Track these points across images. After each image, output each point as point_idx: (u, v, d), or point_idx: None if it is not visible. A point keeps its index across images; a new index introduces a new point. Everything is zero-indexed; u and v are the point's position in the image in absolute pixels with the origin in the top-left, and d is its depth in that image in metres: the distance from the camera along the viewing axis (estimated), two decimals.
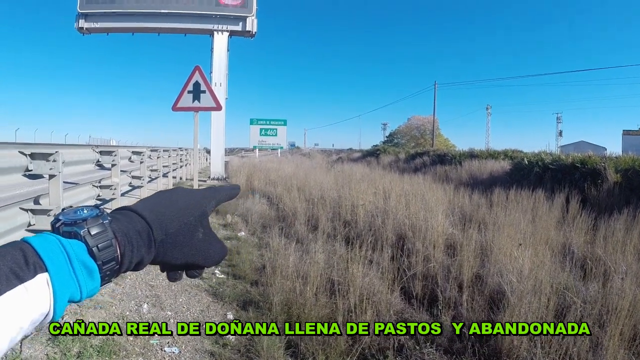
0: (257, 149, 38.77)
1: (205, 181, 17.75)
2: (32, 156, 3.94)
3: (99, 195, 5.94)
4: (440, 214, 7.25)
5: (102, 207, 0.68)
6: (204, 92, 9.90)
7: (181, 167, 17.22)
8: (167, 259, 0.73)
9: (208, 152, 28.24)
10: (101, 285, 0.64)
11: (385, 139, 75.08)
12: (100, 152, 6.22)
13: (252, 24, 21.25)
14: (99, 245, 0.62)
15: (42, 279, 0.54)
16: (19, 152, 3.89)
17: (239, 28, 21.28)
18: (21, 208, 3.84)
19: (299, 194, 10.92)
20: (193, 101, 9.88)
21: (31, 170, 3.93)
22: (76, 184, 5.48)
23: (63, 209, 0.67)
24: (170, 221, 0.72)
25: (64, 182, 4.29)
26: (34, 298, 0.53)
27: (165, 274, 0.78)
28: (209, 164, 23.07)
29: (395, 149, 41.62)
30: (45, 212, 3.95)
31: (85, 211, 0.65)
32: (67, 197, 4.45)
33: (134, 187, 8.41)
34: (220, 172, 20.10)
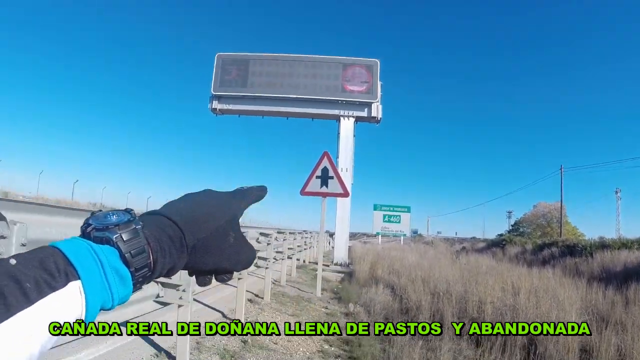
0: (379, 235, 38.41)
1: (328, 266, 17.55)
2: None
3: None
4: (574, 314, 6.89)
5: (132, 211, 0.65)
6: (331, 178, 9.93)
7: (305, 249, 17.26)
8: (198, 264, 0.70)
9: (330, 235, 28.35)
10: (132, 292, 0.61)
11: (510, 227, 71.31)
12: None
13: (377, 110, 21.62)
14: (132, 252, 0.59)
15: (74, 287, 0.52)
16: None
17: (364, 114, 21.72)
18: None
19: (423, 286, 10.32)
20: (321, 186, 9.92)
21: None
22: None
23: (92, 213, 0.63)
24: (202, 226, 0.69)
25: None
26: (65, 306, 0.51)
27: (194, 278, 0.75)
28: (332, 247, 23.02)
29: (521, 239, 39.15)
30: (174, 286, 3.94)
31: (115, 216, 0.62)
32: None
33: (258, 267, 8.36)
34: (344, 257, 19.87)
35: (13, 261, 0.49)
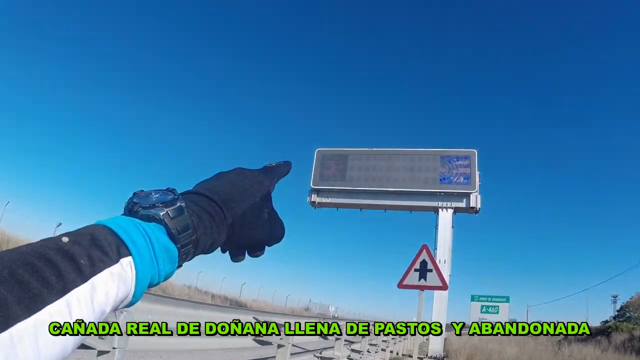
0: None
1: (422, 358, 16.98)
2: (266, 325, 4.22)
3: None
4: None
5: (174, 190, 0.67)
6: (430, 270, 9.88)
7: (399, 341, 16.88)
8: (235, 240, 0.74)
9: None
10: (176, 269, 0.63)
11: (616, 313, 64.65)
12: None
13: (475, 200, 21.35)
14: (178, 228, 0.61)
15: (126, 262, 0.54)
16: (254, 318, 4.22)
17: (462, 205, 21.52)
18: None
19: None
20: (419, 279, 9.89)
21: (261, 336, 4.19)
22: (299, 351, 5.68)
23: (134, 193, 0.65)
24: (239, 203, 0.72)
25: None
26: (118, 282, 0.52)
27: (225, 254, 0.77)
28: (427, 339, 22.25)
29: (628, 325, 35.49)
30: None
31: (159, 194, 0.64)
32: None
33: (351, 359, 8.38)
34: (439, 350, 19.15)
35: (65, 239, 0.51)
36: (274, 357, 4.34)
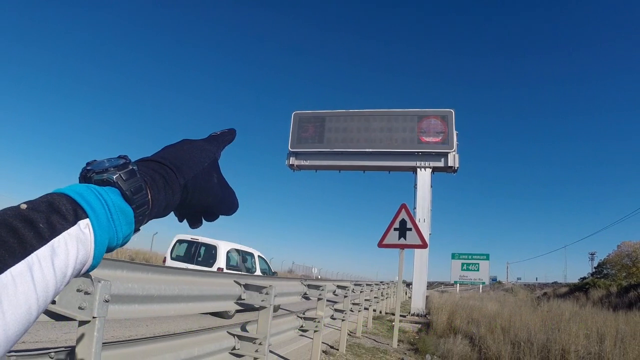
0: (458, 284, 37.39)
1: (405, 316, 17.37)
2: (247, 287, 4.24)
3: (301, 326, 6.12)
4: None
5: (126, 156, 0.69)
6: (410, 229, 10.04)
7: (382, 300, 17.21)
8: (189, 202, 0.77)
9: (408, 285, 27.98)
10: (134, 232, 0.65)
11: (594, 270, 66.73)
12: (308, 286, 6.49)
13: (453, 160, 21.51)
14: (132, 189, 0.63)
15: (84, 224, 0.55)
16: (235, 281, 4.24)
17: (441, 164, 21.66)
18: (229, 332, 4.10)
19: (503, 335, 10.06)
20: (399, 238, 10.04)
21: (244, 299, 4.22)
22: (283, 313, 5.75)
23: (88, 162, 0.67)
24: (189, 167, 0.76)
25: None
26: (77, 244, 0.53)
27: (181, 223, 0.81)
28: (409, 297, 22.74)
29: (605, 281, 36.90)
30: (251, 339, 4.14)
31: (111, 160, 0.66)
32: (272, 324, 4.64)
33: (334, 319, 8.52)
34: (421, 307, 19.57)
35: (24, 205, 0.52)
36: (256, 319, 4.38)
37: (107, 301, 2.37)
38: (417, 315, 18.77)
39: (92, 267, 0.58)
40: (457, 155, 21.66)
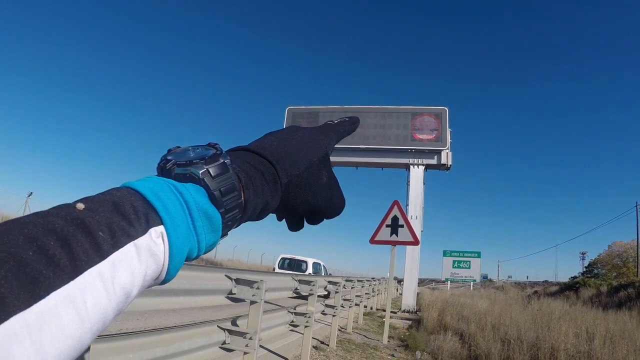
0: (449, 282, 37.55)
1: (396, 313, 17.44)
2: (237, 281, 4.24)
3: (292, 321, 6.13)
4: None
5: (217, 145, 0.55)
6: (402, 226, 10.05)
7: (373, 296, 17.25)
8: (290, 204, 0.63)
9: (398, 281, 28.08)
10: (220, 239, 0.52)
11: (584, 269, 67.36)
12: (300, 281, 6.50)
13: (446, 157, 21.61)
14: (221, 189, 0.50)
15: (157, 233, 0.43)
16: (226, 276, 4.23)
17: (434, 161, 21.77)
18: (219, 326, 4.10)
19: (493, 332, 10.13)
20: (391, 235, 10.05)
21: (234, 294, 4.22)
22: (274, 308, 5.75)
23: (169, 150, 0.54)
24: (294, 162, 0.61)
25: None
26: (146, 258, 0.42)
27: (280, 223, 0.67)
28: (400, 294, 22.81)
29: (595, 281, 37.28)
30: (241, 334, 4.12)
31: (198, 149, 0.53)
32: (263, 319, 4.65)
33: (324, 314, 8.54)
34: (412, 304, 19.68)
35: (81, 205, 0.40)
36: (247, 314, 4.38)
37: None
38: (408, 311, 18.87)
39: (164, 282, 0.46)
40: (450, 153, 21.76)
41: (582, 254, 78.81)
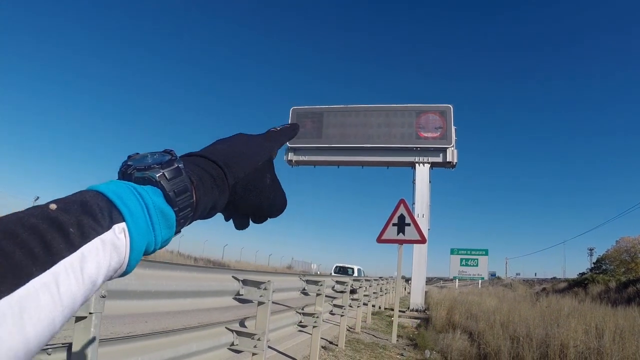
0: (457, 280, 37.48)
1: (404, 312, 17.41)
2: (245, 282, 4.24)
3: (300, 321, 6.13)
4: None
5: (172, 151, 0.62)
6: (408, 225, 10.04)
7: (381, 295, 17.24)
8: (237, 205, 0.71)
9: (406, 280, 28.07)
10: (174, 235, 0.59)
11: (592, 265, 66.94)
12: (307, 281, 6.49)
13: (452, 155, 21.58)
14: (175, 190, 0.56)
15: (119, 229, 0.49)
16: (233, 277, 4.23)
17: (439, 159, 21.72)
18: (227, 328, 4.10)
19: (502, 330, 10.08)
20: (398, 234, 10.05)
21: (242, 295, 4.21)
22: (282, 309, 5.75)
23: (129, 156, 0.61)
24: (241, 166, 0.69)
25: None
26: (110, 251, 0.48)
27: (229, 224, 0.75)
28: (408, 293, 22.78)
29: (604, 277, 37.08)
30: (249, 335, 4.11)
31: (155, 156, 0.60)
32: (271, 320, 4.64)
33: (333, 314, 8.53)
34: (420, 303, 19.65)
35: (53, 206, 0.47)
36: (255, 315, 4.38)
37: (103, 297, 2.36)
38: (416, 310, 18.83)
39: (125, 273, 0.53)
40: (455, 151, 21.72)
41: (590, 250, 78.27)
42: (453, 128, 21.84)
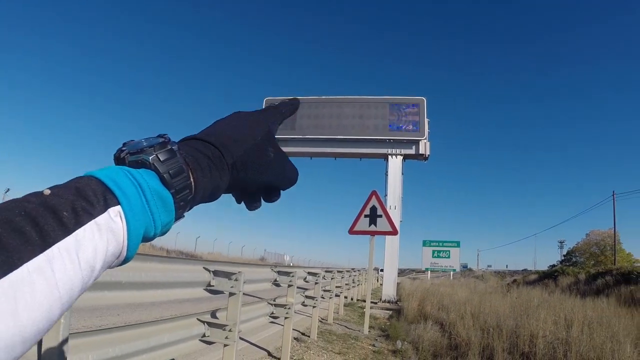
0: (429, 271, 37.92)
1: (376, 303, 17.57)
2: (216, 273, 4.25)
3: (272, 313, 6.16)
4: (629, 345, 6.84)
5: (165, 135, 0.61)
6: (380, 216, 10.09)
7: (353, 287, 17.34)
8: (242, 183, 0.69)
9: (379, 271, 28.30)
10: (175, 220, 0.58)
11: (563, 257, 68.26)
12: (279, 272, 6.51)
13: (424, 147, 21.75)
14: (170, 172, 0.56)
15: (115, 212, 0.49)
16: (204, 268, 4.24)
17: (412, 151, 21.88)
18: (199, 319, 4.11)
19: (473, 321, 10.26)
20: (369, 225, 10.09)
21: (213, 286, 4.23)
22: (254, 300, 5.77)
23: (124, 143, 0.60)
24: (238, 143, 0.67)
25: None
26: (107, 234, 0.48)
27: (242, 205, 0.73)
28: (380, 285, 22.96)
29: (574, 269, 37.91)
30: (221, 326, 4.13)
31: (149, 139, 0.60)
32: (243, 311, 4.66)
33: (305, 305, 8.57)
34: (392, 294, 19.83)
35: (47, 191, 0.47)
36: (226, 306, 4.39)
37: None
38: (388, 301, 18.99)
39: (127, 260, 0.53)
40: (428, 143, 21.90)
41: (561, 242, 79.77)
42: (426, 120, 22.00)
